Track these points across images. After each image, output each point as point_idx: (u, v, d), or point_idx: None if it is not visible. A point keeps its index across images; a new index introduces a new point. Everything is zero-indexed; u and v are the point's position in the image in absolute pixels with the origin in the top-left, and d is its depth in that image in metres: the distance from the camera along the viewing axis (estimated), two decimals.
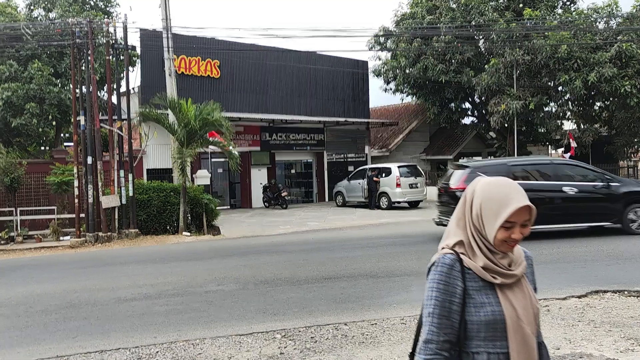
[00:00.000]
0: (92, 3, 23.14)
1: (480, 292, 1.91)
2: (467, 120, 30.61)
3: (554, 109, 25.37)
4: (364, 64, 30.09)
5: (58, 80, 21.06)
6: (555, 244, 11.40)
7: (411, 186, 22.71)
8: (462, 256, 1.96)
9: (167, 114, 17.39)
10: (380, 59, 29.40)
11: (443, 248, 2.04)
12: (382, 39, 28.00)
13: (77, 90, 16.27)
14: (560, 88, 24.19)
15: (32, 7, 22.77)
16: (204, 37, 22.67)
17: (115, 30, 16.80)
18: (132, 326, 6.67)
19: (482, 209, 1.91)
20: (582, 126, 24.85)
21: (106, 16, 21.10)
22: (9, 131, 21.06)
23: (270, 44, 24.16)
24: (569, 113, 25.16)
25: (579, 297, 7.14)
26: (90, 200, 15.47)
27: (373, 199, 22.91)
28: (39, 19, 22.51)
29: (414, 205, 23.49)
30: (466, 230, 1.97)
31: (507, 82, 23.73)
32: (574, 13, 24.43)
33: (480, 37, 25.70)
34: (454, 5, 25.66)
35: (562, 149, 23.60)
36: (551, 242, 11.55)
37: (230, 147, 16.58)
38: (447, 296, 1.91)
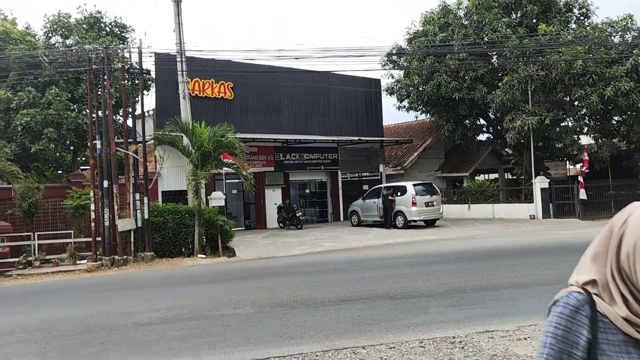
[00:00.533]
0: (107, 29, 23.64)
1: (619, 348, 1.47)
2: (482, 137, 30.50)
3: (570, 124, 25.18)
4: (377, 82, 30.22)
5: (75, 106, 21.45)
6: (577, 262, 11.23)
7: (427, 204, 22.58)
8: (595, 298, 1.53)
9: (182, 137, 17.57)
10: (393, 77, 29.52)
11: (571, 285, 1.64)
12: (394, 57, 28.13)
13: (94, 115, 16.55)
14: (576, 103, 24.04)
15: (49, 35, 23.31)
16: (217, 60, 22.95)
17: (130, 55, 17.14)
18: (149, 351, 6.67)
19: (638, 250, 1.46)
20: (600, 141, 24.61)
21: (121, 42, 21.54)
22: (27, 156, 21.42)
23: (283, 64, 24.37)
24: (586, 128, 24.96)
25: None
26: (107, 223, 15.62)
27: (389, 218, 22.79)
28: (56, 45, 23.03)
29: (430, 223, 23.33)
30: (606, 267, 1.54)
31: (521, 98, 23.65)
32: (588, 28, 24.37)
33: (494, 53, 25.71)
34: (466, 22, 25.75)
35: (580, 164, 23.36)
36: (574, 259, 11.38)
37: (244, 170, 16.66)
38: (566, 346, 1.50)
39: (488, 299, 8.40)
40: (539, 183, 24.49)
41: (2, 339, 7.67)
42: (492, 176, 36.24)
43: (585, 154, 24.20)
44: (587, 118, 24.75)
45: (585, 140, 27.16)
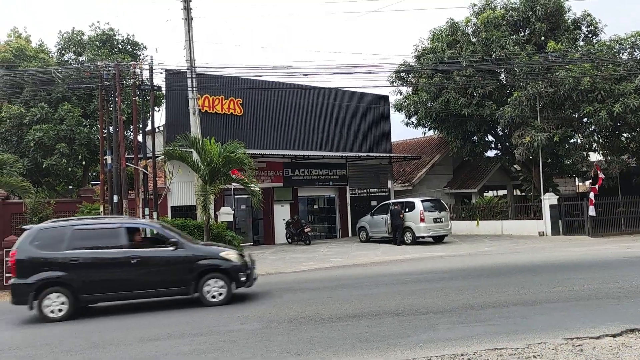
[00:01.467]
0: (120, 47, 23.94)
1: None
2: (490, 153, 30.41)
3: (579, 141, 25.08)
4: (385, 98, 30.30)
5: (87, 121, 21.67)
6: (587, 279, 11.10)
7: (435, 220, 22.49)
8: None
9: (191, 152, 17.66)
10: (401, 94, 29.58)
11: None
12: (403, 74, 28.23)
13: (105, 131, 16.70)
14: (584, 120, 23.95)
15: (63, 52, 23.65)
16: (227, 76, 23.14)
17: (141, 71, 17.33)
18: None
19: None
20: (609, 157, 24.46)
21: (133, 59, 21.79)
22: (39, 171, 21.61)
23: (292, 81, 24.52)
24: (595, 145, 24.82)
25: (614, 336, 6.90)
26: None
27: (398, 235, 22.67)
28: (69, 62, 23.34)
29: (438, 240, 23.20)
30: None
31: (530, 114, 23.61)
32: (596, 45, 24.37)
33: (502, 70, 25.74)
34: (475, 40, 25.83)
35: (590, 181, 23.21)
36: (584, 277, 11.24)
37: (253, 185, 16.68)
38: None
39: (497, 316, 8.30)
40: (548, 200, 24.32)
41: (9, 353, 7.67)
42: (501, 192, 36.06)
43: (599, 171, 24.02)
44: (596, 135, 24.62)
45: (594, 157, 27.00)
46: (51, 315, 9.91)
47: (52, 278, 9.92)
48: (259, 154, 22.95)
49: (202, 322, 8.97)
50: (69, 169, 22.06)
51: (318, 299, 10.63)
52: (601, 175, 23.74)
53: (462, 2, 54.55)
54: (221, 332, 8.19)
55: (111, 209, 15.94)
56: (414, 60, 27.95)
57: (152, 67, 17.19)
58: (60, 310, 9.95)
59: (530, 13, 25.06)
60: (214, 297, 10.48)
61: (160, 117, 28.09)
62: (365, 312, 8.97)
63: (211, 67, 20.43)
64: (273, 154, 24.18)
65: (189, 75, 18.58)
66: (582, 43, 25.48)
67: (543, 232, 24.25)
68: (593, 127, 23.88)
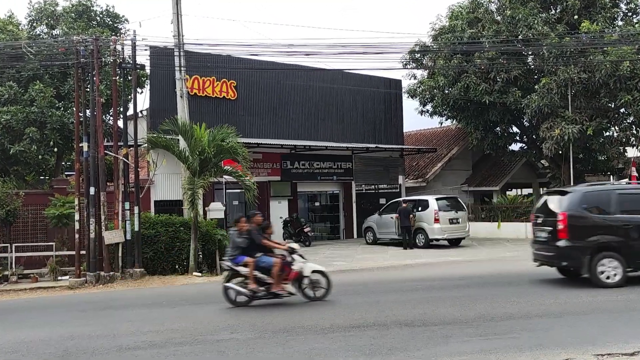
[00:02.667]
0: (98, 19, 23.92)
1: None
2: (515, 147, 30.38)
3: (615, 134, 24.99)
4: (397, 83, 30.27)
5: (60, 103, 21.66)
6: (620, 289, 11.12)
7: (451, 221, 22.51)
8: None
9: (178, 140, 17.69)
10: (415, 78, 29.54)
11: None
12: (417, 55, 28.18)
13: (81, 114, 16.72)
14: (622, 110, 23.89)
15: (34, 24, 23.63)
16: (219, 55, 23.12)
17: (122, 48, 17.33)
18: None
19: None
20: None
21: (113, 33, 21.76)
22: (6, 159, 21.65)
23: (292, 61, 24.53)
24: (633, 139, 24.75)
25: None
26: (92, 235, 15.73)
27: (409, 237, 22.64)
28: (41, 36, 23.33)
29: (454, 243, 23.24)
30: None
31: (560, 103, 23.57)
32: (637, 25, 24.28)
33: (529, 53, 25.66)
34: (499, 18, 25.76)
35: (626, 179, 23.18)
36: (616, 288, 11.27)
37: (247, 178, 16.71)
38: None
39: (518, 328, 8.33)
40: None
41: None
42: (526, 191, 36.01)
43: (633, 168, 23.99)
44: (634, 127, 24.56)
45: (632, 152, 26.93)
46: (607, 281, 11.22)
47: (605, 242, 11.29)
48: (254, 143, 22.97)
49: (187, 329, 9.01)
50: (40, 156, 22.07)
51: (318, 306, 10.66)
52: (634, 173, 23.70)
53: None
54: (208, 341, 8.24)
55: (87, 202, 15.99)
56: (431, 40, 27.90)
57: (134, 43, 17.19)
58: (615, 276, 11.24)
59: None
60: None
61: (143, 99, 27.91)
62: (370, 322, 9.01)
63: (202, 44, 20.41)
64: (270, 144, 24.20)
65: (176, 53, 18.56)
66: (620, 23, 25.36)
67: None
68: (632, 118, 23.81)
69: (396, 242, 23.51)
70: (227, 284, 11.14)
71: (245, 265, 11.00)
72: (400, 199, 25.59)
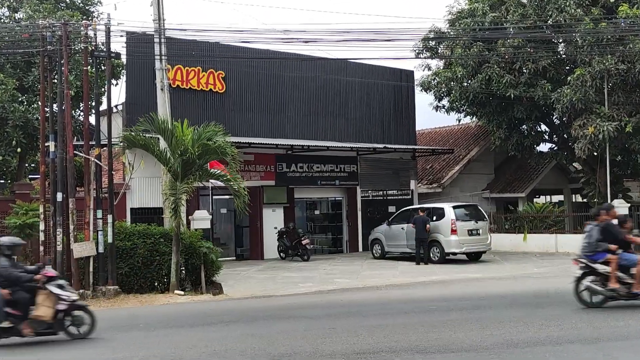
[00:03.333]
0: (67, 1, 23.92)
1: None
2: (543, 147, 30.36)
3: None
4: (409, 74, 30.27)
5: (24, 97, 21.65)
6: None
7: (471, 233, 22.47)
8: None
9: (158, 139, 17.66)
10: (430, 69, 29.52)
11: None
12: (432, 43, 28.19)
13: (47, 109, 16.71)
14: None
15: None
16: (205, 42, 23.10)
17: (95, 34, 17.30)
18: None
19: None
20: None
21: (85, 17, 21.76)
22: None
23: (289, 50, 24.49)
24: None
25: None
26: (59, 247, 15.69)
27: (425, 251, 22.45)
28: (1, 20, 23.34)
29: (474, 257, 23.20)
30: None
31: (596, 98, 23.57)
32: None
33: (560, 40, 25.67)
34: (525, 0, 25.79)
35: None
36: None
37: (237, 183, 16.68)
38: None
39: (548, 355, 8.31)
40: (617, 208, 24.23)
41: None
42: (556, 198, 35.94)
43: None
44: None
45: None
46: None
47: None
48: (246, 142, 22.96)
49: (167, 355, 8.98)
50: (0, 157, 22.05)
51: (317, 330, 10.64)
52: None
53: None
54: None
55: (54, 209, 15.96)
56: (447, 25, 27.91)
57: (109, 28, 17.17)
58: None
59: None
60: None
61: (118, 92, 27.83)
62: (377, 348, 8.98)
63: (185, 30, 20.42)
64: (263, 143, 24.19)
65: (156, 40, 18.56)
66: None
67: None
68: None
69: (407, 256, 23.45)
70: (585, 283, 11.51)
71: (605, 263, 11.39)
72: (416, 206, 25.57)
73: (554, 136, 29.12)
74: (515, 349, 8.73)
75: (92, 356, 9.31)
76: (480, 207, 24.33)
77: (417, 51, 28.28)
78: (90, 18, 21.94)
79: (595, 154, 24.60)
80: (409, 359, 8.33)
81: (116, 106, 22.42)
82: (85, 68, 16.94)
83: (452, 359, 8.26)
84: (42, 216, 16.16)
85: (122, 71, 22.97)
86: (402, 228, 23.75)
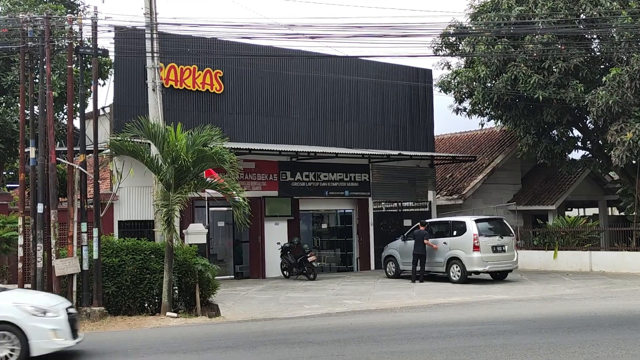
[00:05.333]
0: None
1: None
2: (576, 155, 30.27)
3: None
4: (427, 74, 30.27)
5: (2, 98, 21.78)
6: None
7: (495, 249, 22.39)
8: None
9: (149, 145, 17.69)
10: (449, 67, 29.49)
11: None
12: (452, 39, 28.18)
13: (27, 112, 16.77)
14: None
15: None
16: (201, 38, 23.20)
17: (81, 29, 17.36)
18: None
19: None
20: None
21: (69, 10, 21.88)
22: None
23: (294, 46, 24.55)
24: None
25: None
26: (40, 264, 15.69)
27: (421, 268, 22.96)
28: None
29: (499, 277, 23.12)
30: None
31: (634, 100, 23.49)
32: None
33: (594, 36, 25.63)
34: None
35: None
36: None
37: (236, 193, 16.69)
38: None
39: None
40: None
41: None
42: (590, 211, 35.79)
43: None
44: None
45: None
46: None
47: None
48: (245, 148, 22.98)
49: None
50: None
51: (324, 357, 10.62)
52: None
53: None
54: None
55: (34, 222, 15.97)
56: (469, 20, 27.91)
57: (95, 23, 17.21)
58: None
59: None
60: None
61: (106, 93, 27.91)
62: None
63: (180, 25, 20.49)
64: (265, 150, 24.20)
65: (148, 35, 18.62)
66: None
67: None
68: None
69: (426, 275, 23.37)
70: None
71: None
72: (431, 220, 25.51)
73: (588, 142, 29.01)
74: None
75: None
76: (505, 221, 24.24)
77: (435, 48, 28.26)
78: (75, 12, 22.10)
79: (634, 162, 24.50)
80: None
81: (103, 108, 22.47)
82: (69, 66, 16.98)
83: None
84: (20, 229, 16.18)
85: (110, 70, 23.07)
86: None
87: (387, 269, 25.16)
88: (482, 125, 31.67)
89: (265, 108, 25.78)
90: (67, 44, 17.33)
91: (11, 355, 10.46)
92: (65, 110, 21.68)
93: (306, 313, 16.51)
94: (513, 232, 24.12)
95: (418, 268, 23.10)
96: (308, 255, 24.30)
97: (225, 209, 22.64)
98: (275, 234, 25.86)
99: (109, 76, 23.20)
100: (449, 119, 65.38)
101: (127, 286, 16.48)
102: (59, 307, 11.28)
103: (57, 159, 16.48)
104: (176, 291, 16.77)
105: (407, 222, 28.17)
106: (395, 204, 29.57)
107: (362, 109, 28.29)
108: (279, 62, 25.77)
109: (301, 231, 27.00)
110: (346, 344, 11.85)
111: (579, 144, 29.25)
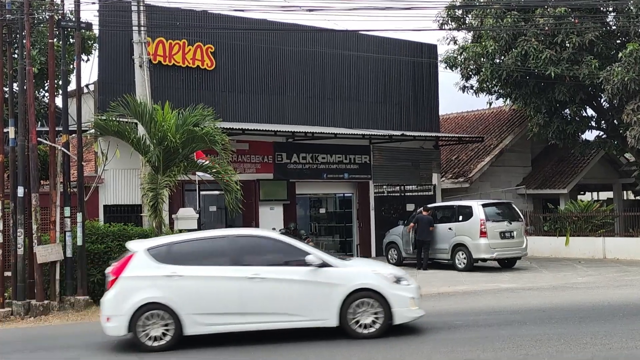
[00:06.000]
0: None
1: None
2: (589, 135, 30.24)
3: None
4: (432, 49, 30.13)
5: None
6: None
7: (503, 235, 22.40)
8: None
9: (136, 125, 17.65)
10: (456, 42, 29.42)
11: None
12: (459, 12, 28.08)
13: (6, 89, 16.69)
14: None
15: None
16: (191, 11, 23.08)
17: (62, 1, 17.28)
18: None
19: None
20: None
21: None
22: None
23: (290, 19, 24.44)
24: None
25: None
26: (20, 251, 15.69)
27: (425, 255, 23.00)
28: None
29: (507, 264, 23.14)
30: None
31: None
32: None
33: (610, 9, 25.54)
34: None
35: None
36: None
37: (228, 176, 16.67)
38: None
39: None
40: None
41: None
42: (604, 195, 35.83)
43: None
44: None
45: None
46: None
47: None
48: (238, 129, 22.91)
49: None
50: None
51: (322, 349, 10.62)
52: None
53: None
54: None
55: (14, 206, 15.96)
56: None
57: None
58: None
59: None
60: None
61: (90, 70, 27.84)
62: None
63: None
64: (259, 130, 24.14)
65: (134, 8, 18.53)
66: None
67: None
68: None
69: (430, 263, 23.38)
70: None
71: None
72: (434, 204, 25.51)
73: (602, 122, 28.99)
74: None
75: None
76: (514, 206, 24.24)
77: (441, 22, 28.18)
78: None
79: None
80: None
81: (87, 86, 22.39)
82: (50, 41, 16.90)
83: None
84: (0, 214, 16.17)
85: (94, 45, 22.96)
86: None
87: (389, 256, 25.20)
88: (490, 104, 31.60)
89: (259, 86, 25.67)
90: (47, 17, 17.25)
91: (375, 322, 11.08)
92: (46, 88, 21.63)
93: None
94: (522, 217, 24.12)
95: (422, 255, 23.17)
96: (305, 241, 24.29)
97: (217, 192, 22.57)
98: (271, 219, 25.83)
99: (93, 51, 23.10)
100: (455, 97, 65.39)
101: None
102: (407, 275, 11.93)
103: (39, 139, 16.45)
104: None
105: (410, 207, 28.16)
106: (398, 187, 29.52)
107: (363, 87, 28.18)
108: (275, 37, 25.63)
109: (298, 216, 26.98)
110: (338, 336, 11.90)
111: (593, 123, 29.22)
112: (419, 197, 28.98)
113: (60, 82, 17.65)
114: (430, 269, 22.79)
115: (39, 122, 19.45)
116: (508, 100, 30.30)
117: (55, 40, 17.14)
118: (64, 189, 16.46)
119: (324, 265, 11.25)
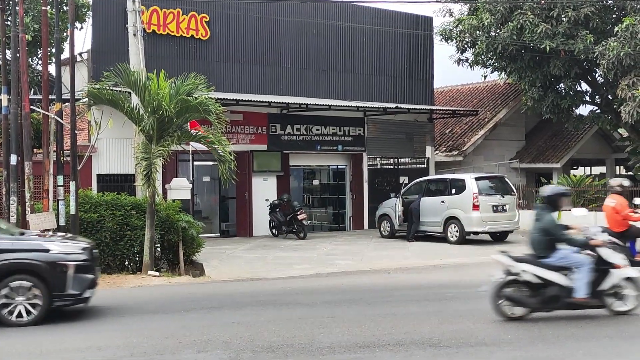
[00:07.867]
0: None
1: None
2: (583, 110, 30.25)
3: None
4: (427, 21, 30.02)
5: None
6: None
7: (495, 209, 22.49)
8: None
9: (129, 94, 17.60)
10: (452, 15, 29.31)
11: None
12: None
13: None
14: None
15: None
16: None
17: None
18: None
19: None
20: None
21: None
22: None
23: None
24: None
25: None
26: (13, 219, 15.70)
27: (412, 227, 23.21)
28: None
29: (499, 237, 23.24)
30: None
31: None
32: None
33: None
34: None
35: None
36: None
37: (222, 146, 16.66)
38: None
39: (581, 352, 8.42)
40: None
41: None
42: (597, 170, 35.94)
43: None
44: None
45: None
46: None
47: None
48: (233, 99, 22.88)
49: (139, 345, 9.05)
50: None
51: (314, 318, 10.73)
52: None
53: None
54: None
55: (7, 174, 15.94)
56: None
57: None
58: None
59: None
60: None
61: (84, 38, 27.63)
62: (384, 341, 9.06)
63: None
64: (254, 101, 24.10)
65: None
66: None
67: None
68: None
69: (422, 235, 23.50)
70: None
71: None
72: (427, 177, 25.56)
73: (597, 97, 28.98)
74: (541, 342, 8.85)
75: (47, 346, 9.38)
76: (507, 179, 24.31)
77: None
78: None
79: None
80: (421, 355, 8.38)
81: (81, 54, 22.30)
82: (43, 8, 16.76)
83: (469, 354, 8.32)
84: None
85: (88, 13, 22.79)
86: None
87: (382, 229, 25.27)
88: (485, 77, 31.60)
89: (254, 56, 25.58)
90: None
91: None
92: (39, 56, 21.48)
93: (295, 273, 16.62)
94: (515, 191, 24.19)
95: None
96: (298, 213, 24.36)
97: (210, 163, 22.61)
98: (264, 190, 25.89)
99: (87, 19, 22.93)
100: (450, 70, 65.08)
101: (107, 243, 16.55)
102: None
103: (32, 107, 16.40)
104: (158, 249, 16.86)
105: (404, 179, 28.18)
106: (391, 160, 29.57)
107: (358, 59, 28.10)
108: (269, 7, 25.51)
109: (291, 188, 27.02)
110: (337, 305, 11.97)
111: (587, 98, 29.22)
112: (413, 170, 29.02)
113: (53, 50, 17.57)
114: (422, 242, 22.86)
115: (32, 90, 19.39)
116: (503, 73, 30.28)
117: (48, 7, 17.02)
118: (57, 157, 16.42)
119: None
